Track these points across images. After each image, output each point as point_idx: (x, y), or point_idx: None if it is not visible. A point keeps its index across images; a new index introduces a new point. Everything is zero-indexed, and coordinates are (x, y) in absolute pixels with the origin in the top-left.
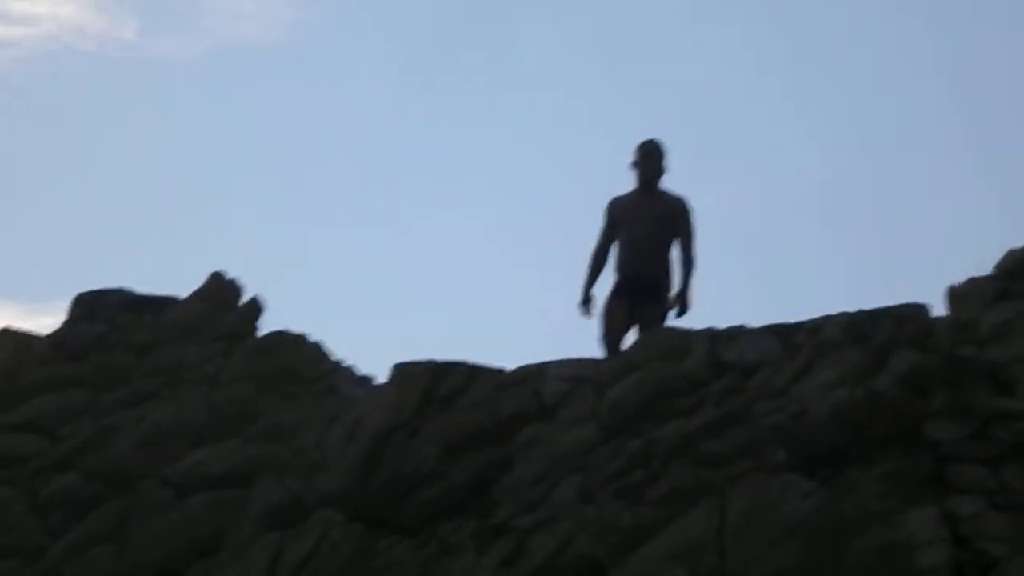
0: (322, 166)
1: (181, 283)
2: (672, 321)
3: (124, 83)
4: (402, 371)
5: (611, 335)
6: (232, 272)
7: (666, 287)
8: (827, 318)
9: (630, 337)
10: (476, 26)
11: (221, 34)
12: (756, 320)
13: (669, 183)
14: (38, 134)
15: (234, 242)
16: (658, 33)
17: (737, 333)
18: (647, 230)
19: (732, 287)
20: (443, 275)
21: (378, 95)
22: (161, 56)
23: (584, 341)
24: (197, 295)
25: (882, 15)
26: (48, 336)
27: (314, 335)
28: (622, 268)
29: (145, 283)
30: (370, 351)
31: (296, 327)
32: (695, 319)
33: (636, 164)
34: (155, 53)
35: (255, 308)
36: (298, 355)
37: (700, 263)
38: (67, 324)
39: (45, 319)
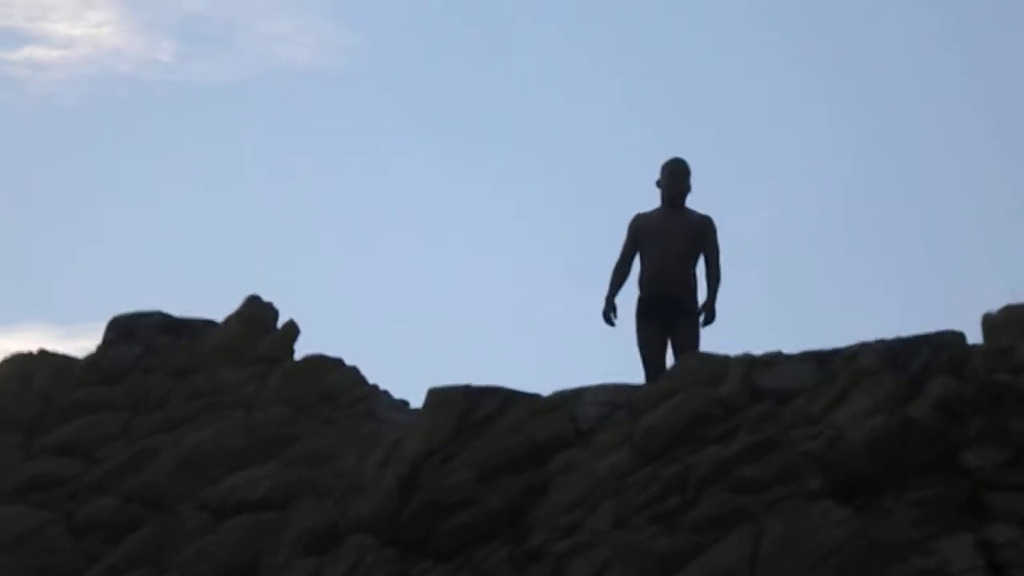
0: (359, 192)
1: (218, 307)
2: (700, 331)
3: (161, 105)
4: (438, 396)
5: (651, 361)
6: (269, 296)
7: (692, 304)
8: (863, 345)
9: (668, 358)
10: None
11: (258, 57)
12: (793, 346)
13: (695, 203)
14: (76, 156)
15: (271, 266)
16: (695, 47)
17: (774, 359)
18: (672, 248)
19: (769, 313)
20: (482, 301)
21: (415, 118)
22: (198, 79)
23: (620, 366)
24: (234, 318)
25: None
26: (85, 359)
27: (350, 359)
28: (646, 286)
29: (182, 306)
30: (406, 376)
31: (332, 351)
32: (732, 345)
33: (661, 182)
34: (192, 76)
35: (292, 332)
36: (335, 379)
37: (735, 287)
38: (103, 347)
39: (82, 342)
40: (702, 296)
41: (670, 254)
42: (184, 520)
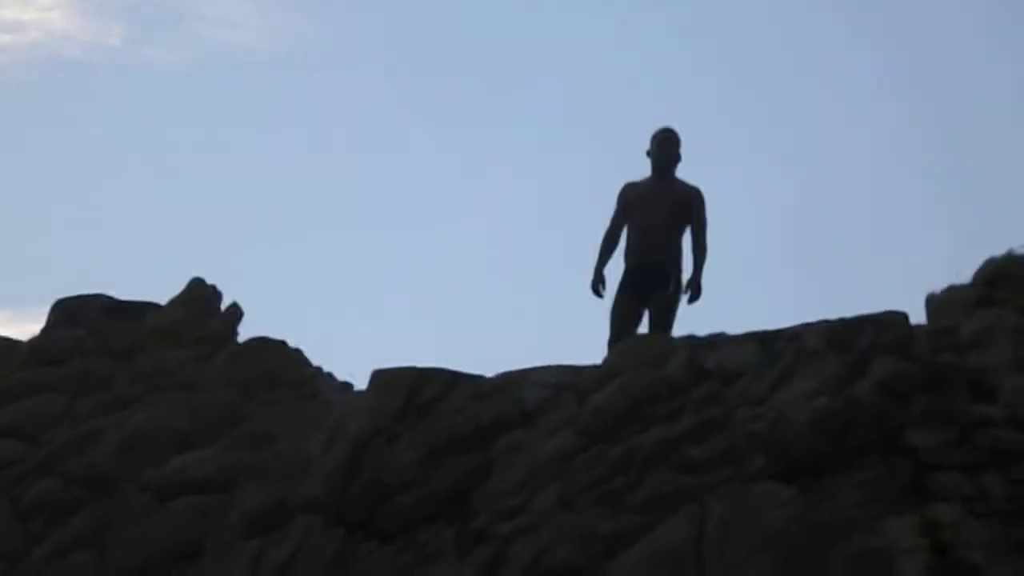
0: (306, 173)
1: (161, 290)
2: (685, 307)
3: (110, 89)
4: (383, 377)
5: (618, 331)
6: (212, 278)
7: (673, 275)
8: (807, 325)
9: (641, 329)
10: (473, 38)
11: (207, 41)
12: (736, 327)
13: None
14: (23, 140)
15: (215, 248)
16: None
17: (717, 340)
18: (658, 217)
19: (712, 294)
20: (424, 281)
21: (366, 103)
22: (147, 63)
23: (565, 348)
24: (177, 301)
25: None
26: (28, 341)
27: (294, 341)
28: (630, 255)
29: (125, 289)
30: (350, 357)
31: (276, 333)
32: (676, 326)
33: (651, 152)
34: (141, 60)
35: (235, 314)
36: (279, 361)
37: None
38: (46, 329)
39: (28, 325)
40: (686, 267)
41: (654, 222)
42: (128, 502)
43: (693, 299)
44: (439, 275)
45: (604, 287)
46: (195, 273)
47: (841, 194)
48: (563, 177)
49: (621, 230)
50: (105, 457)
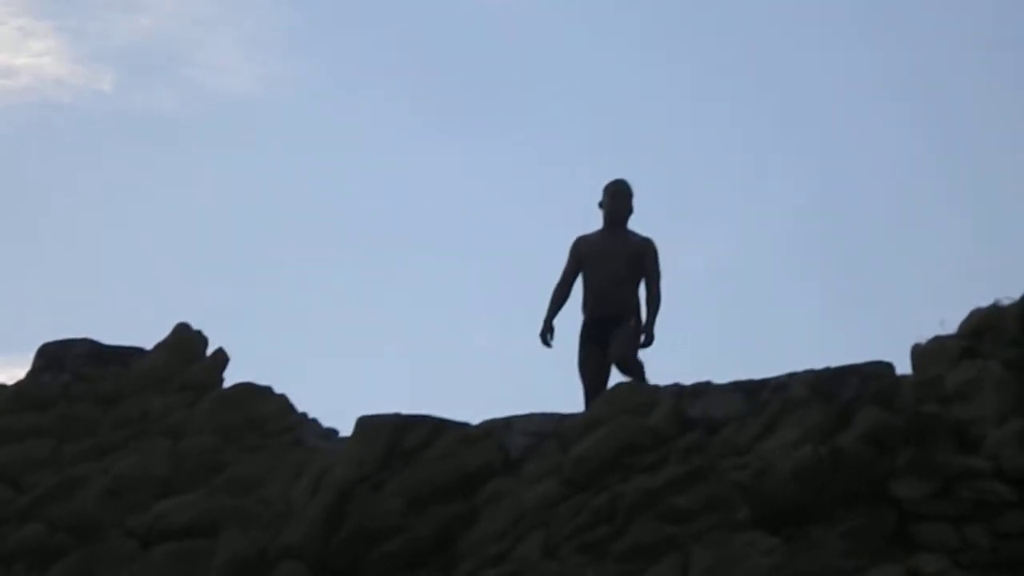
0: (295, 218)
1: (148, 335)
2: (637, 344)
3: (101, 135)
4: (367, 424)
5: (591, 384)
6: (198, 324)
7: (631, 321)
8: (792, 375)
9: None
10: (456, 81)
11: (199, 87)
12: (722, 377)
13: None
14: (13, 184)
15: (201, 293)
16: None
17: (703, 389)
18: (613, 270)
19: (698, 343)
20: (410, 328)
21: (354, 148)
22: (139, 108)
23: (549, 396)
24: (163, 346)
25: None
26: (12, 386)
27: (279, 387)
28: (588, 308)
29: (112, 335)
30: (335, 404)
31: (262, 379)
32: (662, 375)
33: (603, 204)
34: (133, 105)
35: (221, 359)
36: (263, 407)
37: (668, 318)
38: (31, 374)
39: (15, 370)
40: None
41: (610, 277)
42: (112, 547)
43: (645, 345)
44: (424, 322)
45: (553, 337)
46: (182, 318)
47: (826, 243)
48: (552, 223)
49: (572, 282)
50: (89, 503)
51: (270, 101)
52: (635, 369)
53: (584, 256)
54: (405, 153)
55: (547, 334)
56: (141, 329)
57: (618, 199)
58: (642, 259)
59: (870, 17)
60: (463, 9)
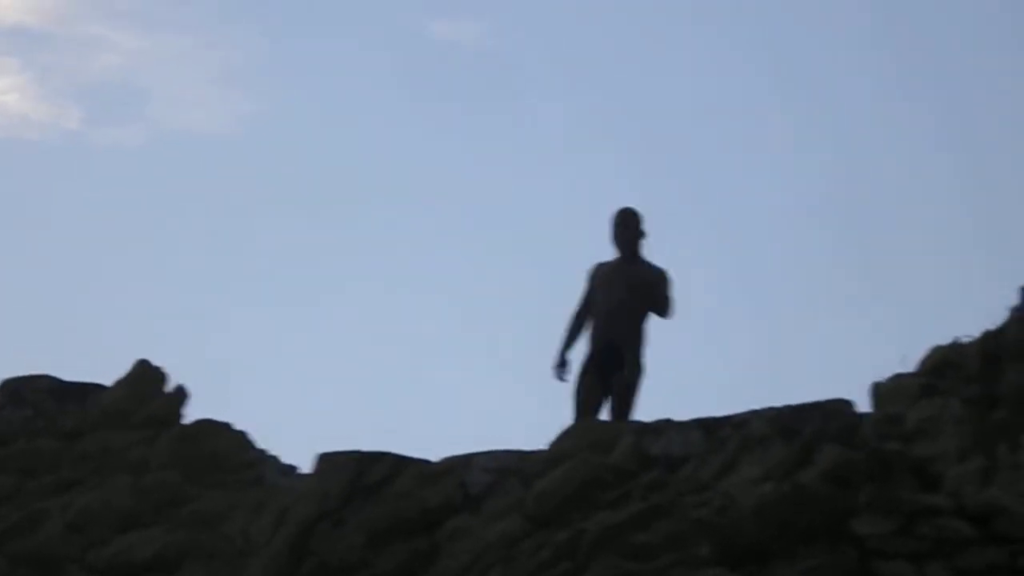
0: (257, 254)
1: (108, 371)
2: (637, 388)
3: (65, 172)
4: (328, 461)
5: (583, 411)
6: (159, 361)
7: (630, 357)
8: (753, 412)
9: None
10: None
11: (165, 124)
12: (682, 414)
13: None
14: None
15: (163, 327)
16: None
17: (663, 426)
18: (620, 298)
19: (659, 380)
20: (369, 364)
21: (323, 184)
22: (105, 145)
23: (510, 432)
24: (122, 382)
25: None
26: None
27: (239, 423)
28: (593, 336)
29: (72, 371)
30: (295, 440)
31: (221, 415)
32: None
33: (613, 235)
34: (99, 142)
35: (180, 395)
36: (224, 443)
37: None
38: None
39: None
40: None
41: (613, 305)
42: None
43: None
44: (383, 358)
45: (567, 371)
46: (143, 354)
47: (785, 277)
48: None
49: (588, 311)
50: (51, 538)
51: (238, 137)
52: (630, 403)
53: (595, 283)
54: (367, 183)
55: (560, 368)
56: (102, 365)
57: (625, 228)
58: (652, 288)
59: (883, 10)
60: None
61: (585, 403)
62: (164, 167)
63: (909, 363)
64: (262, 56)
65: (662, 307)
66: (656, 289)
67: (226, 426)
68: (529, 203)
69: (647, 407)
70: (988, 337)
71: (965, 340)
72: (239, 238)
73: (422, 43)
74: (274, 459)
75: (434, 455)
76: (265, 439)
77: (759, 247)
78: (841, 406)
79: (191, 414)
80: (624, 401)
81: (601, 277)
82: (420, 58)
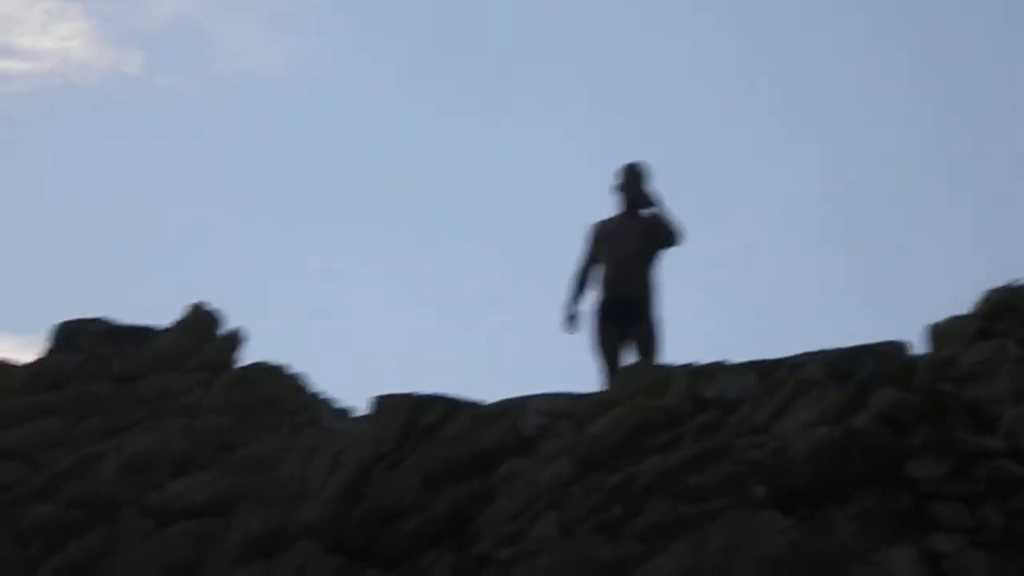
0: (316, 199)
1: (164, 314)
2: (660, 334)
3: (126, 118)
4: (383, 403)
5: (609, 362)
6: (215, 302)
7: (650, 307)
8: (807, 355)
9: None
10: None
11: (226, 69)
12: (737, 356)
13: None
14: (40, 168)
15: (220, 273)
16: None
17: (717, 369)
18: (630, 249)
19: (713, 323)
20: (424, 307)
21: (381, 128)
22: (165, 91)
23: (564, 376)
24: (178, 326)
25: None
26: (27, 365)
27: (294, 366)
28: (604, 288)
29: (129, 313)
30: (350, 383)
31: (276, 358)
32: (676, 355)
33: (617, 187)
34: (159, 88)
35: (236, 339)
36: (278, 386)
37: (681, 298)
38: (47, 353)
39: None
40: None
41: (626, 255)
42: (128, 525)
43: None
44: (438, 301)
45: (576, 323)
46: (199, 297)
47: (841, 222)
48: (568, 207)
49: (591, 267)
50: (105, 481)
51: (294, 82)
52: (654, 354)
53: (600, 238)
54: (431, 127)
55: (570, 320)
56: (156, 308)
57: (631, 180)
58: (657, 229)
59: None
60: None
61: (608, 349)
62: (222, 112)
63: (964, 305)
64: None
65: (671, 238)
66: (659, 228)
67: (280, 369)
68: (592, 153)
69: (702, 349)
70: None
71: (1019, 282)
72: (296, 183)
73: None
74: (328, 402)
75: (487, 398)
76: (320, 382)
77: (816, 195)
78: (895, 348)
79: (246, 357)
80: (649, 349)
81: (606, 231)
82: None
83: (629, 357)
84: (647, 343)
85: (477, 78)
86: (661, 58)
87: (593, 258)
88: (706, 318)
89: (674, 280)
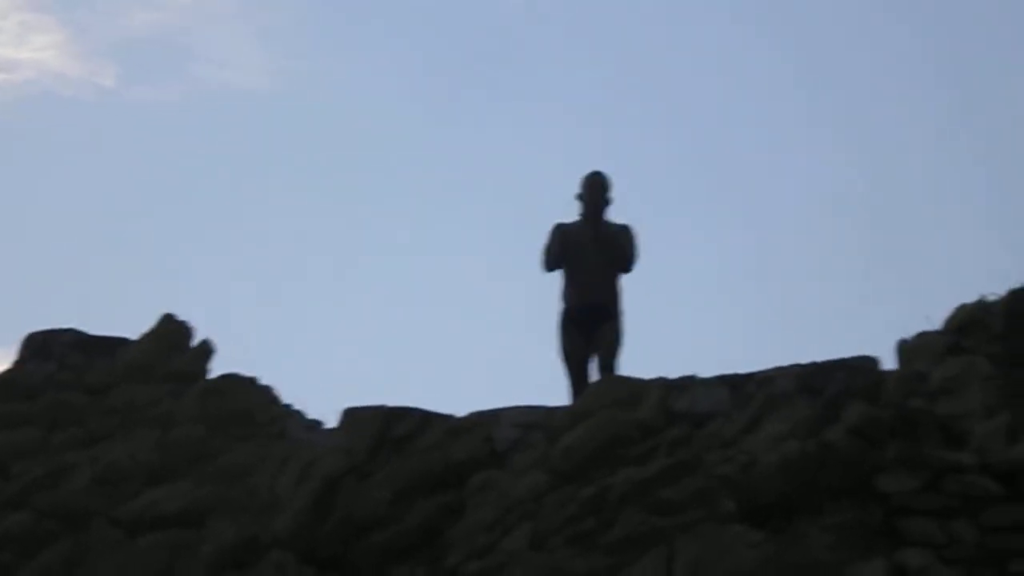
0: (290, 211)
1: (135, 325)
2: (622, 335)
3: (100, 128)
4: (354, 415)
5: (575, 370)
6: (185, 313)
7: (617, 309)
8: (779, 369)
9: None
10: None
11: (202, 80)
12: (708, 370)
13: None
14: (12, 179)
15: (191, 285)
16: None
17: (689, 383)
18: (594, 261)
19: (685, 336)
20: (395, 320)
21: (359, 140)
22: (141, 102)
23: (537, 388)
24: (148, 336)
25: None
26: None
27: (265, 378)
28: (569, 299)
29: (98, 324)
30: (319, 396)
31: (248, 370)
32: (648, 369)
33: (581, 196)
34: (135, 99)
35: (206, 350)
36: (249, 398)
37: (655, 311)
38: (18, 363)
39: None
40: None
41: (593, 269)
42: (99, 536)
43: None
44: (410, 314)
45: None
46: (172, 309)
47: (812, 238)
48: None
49: (560, 262)
50: (77, 491)
51: (272, 92)
52: (617, 356)
53: (565, 246)
54: (407, 146)
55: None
56: (128, 319)
57: (595, 191)
58: (622, 245)
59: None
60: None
61: (575, 361)
62: (198, 122)
63: (934, 321)
64: (305, 12)
65: (626, 263)
66: (625, 243)
67: (251, 381)
68: (555, 164)
69: (673, 363)
70: (1013, 295)
71: (990, 298)
72: (270, 195)
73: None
74: (299, 414)
75: (460, 410)
76: (290, 394)
77: (792, 206)
78: (866, 363)
79: (216, 369)
80: (612, 354)
81: (570, 240)
82: (456, 23)
83: (595, 365)
84: (611, 343)
85: (458, 92)
86: (670, 51)
87: (558, 262)
88: (678, 332)
89: (646, 294)
